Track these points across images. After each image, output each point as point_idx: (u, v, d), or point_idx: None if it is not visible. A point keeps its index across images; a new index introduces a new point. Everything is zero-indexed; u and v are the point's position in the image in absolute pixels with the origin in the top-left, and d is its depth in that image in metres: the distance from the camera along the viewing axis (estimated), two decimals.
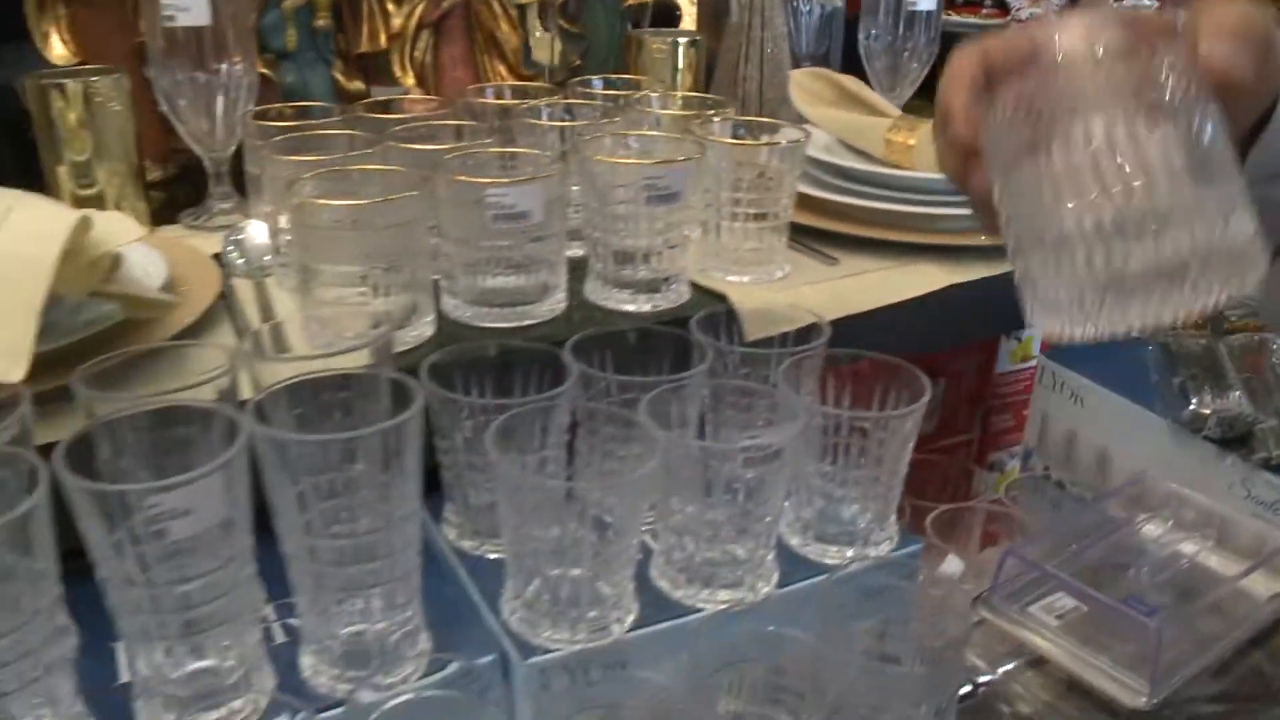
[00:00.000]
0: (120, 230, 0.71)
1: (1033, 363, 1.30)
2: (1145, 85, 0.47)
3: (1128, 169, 0.46)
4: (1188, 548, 0.91)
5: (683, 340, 0.83)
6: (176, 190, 1.17)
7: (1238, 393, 1.00)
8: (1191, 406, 1.00)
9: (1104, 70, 0.47)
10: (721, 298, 0.90)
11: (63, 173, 1.01)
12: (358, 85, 1.29)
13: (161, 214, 1.10)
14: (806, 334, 0.84)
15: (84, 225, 0.68)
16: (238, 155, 1.05)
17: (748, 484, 0.71)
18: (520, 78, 1.30)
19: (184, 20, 1.00)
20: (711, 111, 1.00)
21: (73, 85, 0.99)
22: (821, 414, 0.77)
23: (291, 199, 0.79)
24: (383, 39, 1.37)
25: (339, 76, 1.28)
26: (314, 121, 0.99)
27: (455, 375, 0.77)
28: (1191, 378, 1.03)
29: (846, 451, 0.78)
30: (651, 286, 0.89)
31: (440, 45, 1.30)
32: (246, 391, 0.67)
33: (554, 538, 0.67)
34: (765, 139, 0.95)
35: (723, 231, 0.94)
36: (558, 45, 1.34)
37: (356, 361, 0.70)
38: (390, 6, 1.36)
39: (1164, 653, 0.77)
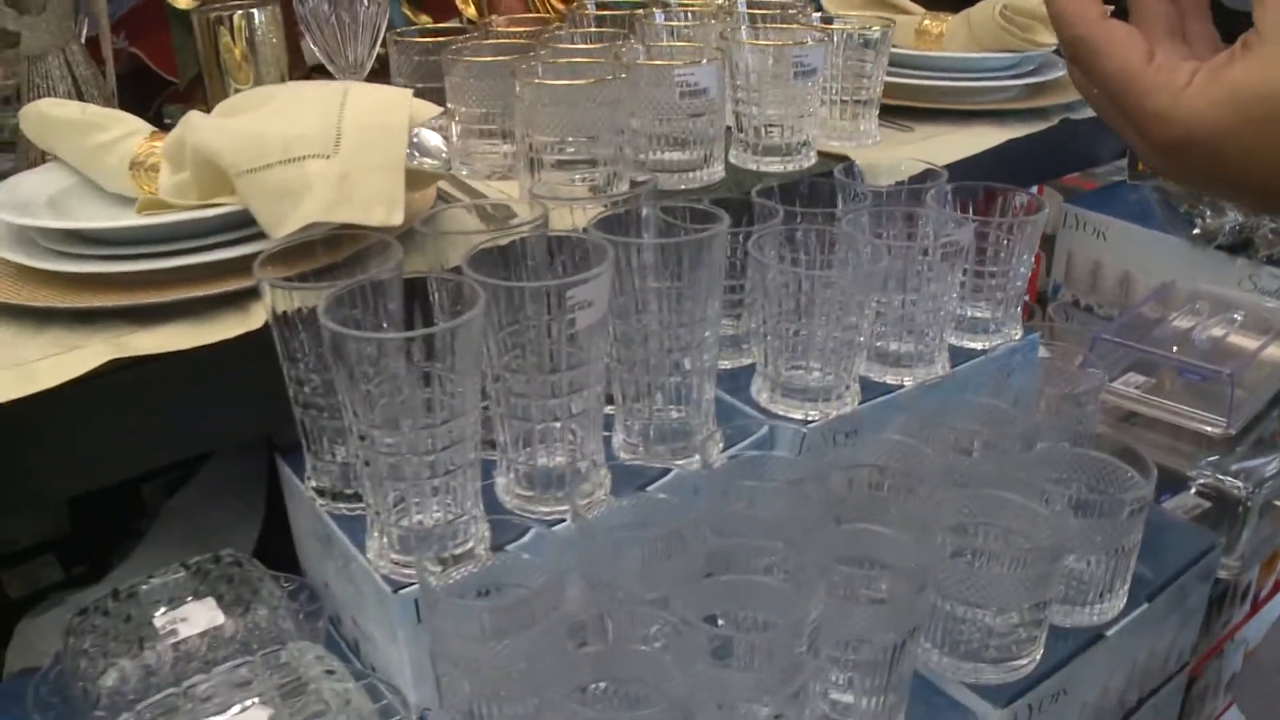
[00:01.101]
0: (422, 108, 0.85)
1: None
2: None
3: None
4: (1217, 330, 1.15)
5: (828, 187, 1.01)
6: None
7: (1231, 210, 1.24)
8: (1201, 223, 1.24)
9: None
10: (843, 158, 1.08)
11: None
12: (425, 19, 1.42)
13: None
14: (921, 178, 1.03)
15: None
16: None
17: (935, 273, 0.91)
18: (567, 3, 1.45)
19: None
20: (795, 11, 1.18)
21: (238, 18, 1.11)
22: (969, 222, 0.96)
23: (524, 80, 0.93)
24: None
25: (407, 12, 1.41)
26: (451, 38, 1.13)
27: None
28: (1191, 206, 1.26)
29: (985, 256, 0.98)
30: (790, 150, 1.07)
31: None
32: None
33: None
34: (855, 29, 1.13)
35: (833, 110, 1.12)
36: None
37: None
38: None
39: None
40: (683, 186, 1.02)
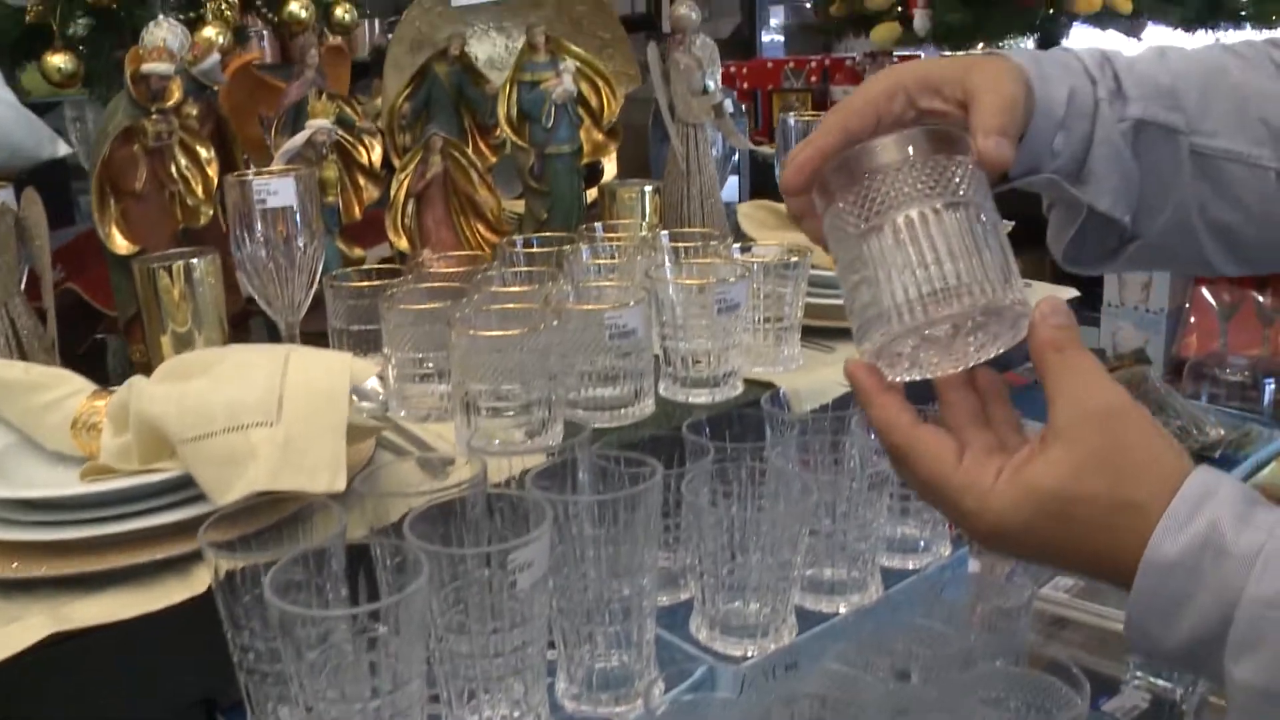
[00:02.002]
0: (361, 369, 0.88)
1: None
2: (943, 184, 0.62)
3: (935, 248, 0.60)
4: None
5: (755, 418, 1.05)
6: None
7: (1213, 428, 1.30)
8: None
9: (915, 173, 0.62)
10: (769, 385, 1.13)
11: (165, 342, 1.15)
12: (358, 252, 1.47)
13: None
14: (844, 402, 1.08)
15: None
16: None
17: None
18: (497, 234, 1.51)
19: (273, 203, 1.17)
20: (716, 243, 1.24)
21: (177, 265, 1.14)
22: None
23: (459, 330, 0.97)
24: (357, 210, 1.56)
25: (342, 246, 1.45)
26: (385, 281, 1.18)
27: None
28: None
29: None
30: (717, 381, 1.11)
31: (424, 211, 1.50)
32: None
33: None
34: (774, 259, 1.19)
35: (756, 335, 1.17)
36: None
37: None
38: (362, 180, 1.56)
39: None
40: (614, 424, 1.05)
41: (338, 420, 0.80)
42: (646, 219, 1.46)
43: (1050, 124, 0.74)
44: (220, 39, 1.51)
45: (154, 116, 1.28)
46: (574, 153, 1.53)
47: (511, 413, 0.99)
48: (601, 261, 1.20)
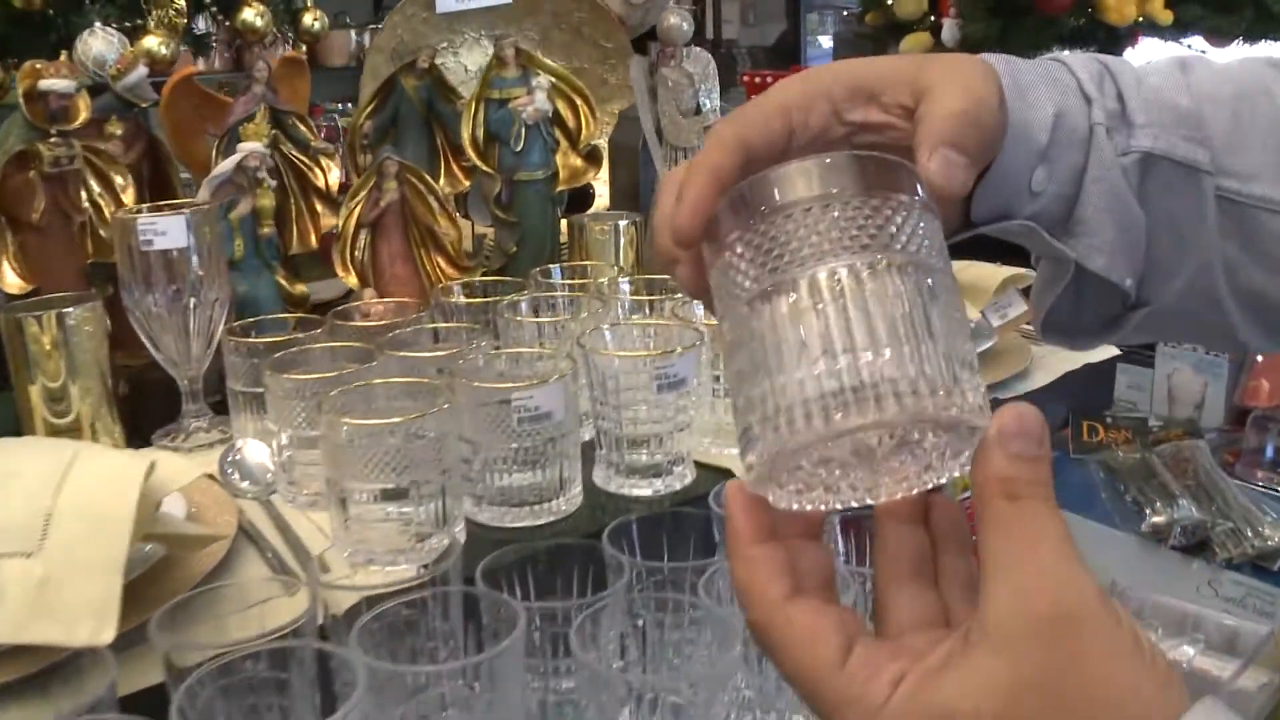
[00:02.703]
0: (176, 472, 0.71)
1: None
2: (876, 234, 0.41)
3: (854, 326, 0.40)
4: (1177, 656, 0.99)
5: (702, 519, 0.86)
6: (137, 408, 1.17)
7: (1184, 500, 1.09)
8: (1150, 518, 1.08)
9: (837, 214, 0.41)
10: (727, 473, 0.94)
11: (35, 394, 1.00)
12: (300, 289, 1.31)
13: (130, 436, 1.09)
14: None
15: (149, 473, 0.68)
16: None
17: None
18: (460, 269, 1.34)
19: (160, 244, 1.01)
20: (680, 296, 1.06)
21: (47, 315, 0.99)
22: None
23: (326, 417, 0.80)
24: (312, 239, 1.40)
25: (282, 281, 1.29)
26: (296, 335, 1.01)
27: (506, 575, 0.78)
28: (1140, 491, 1.11)
29: None
30: (661, 469, 0.93)
31: (378, 243, 1.33)
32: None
33: None
34: None
35: (716, 408, 0.99)
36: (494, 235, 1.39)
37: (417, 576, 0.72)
38: (319, 206, 1.40)
39: None
40: (526, 523, 0.88)
41: (114, 553, 0.63)
42: (621, 260, 1.27)
43: (1028, 154, 0.54)
44: (164, 49, 1.36)
45: (53, 139, 1.13)
46: (548, 179, 1.35)
47: (393, 512, 0.82)
48: (541, 319, 1.03)
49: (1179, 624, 1.00)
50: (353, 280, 1.32)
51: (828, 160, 0.43)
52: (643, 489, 0.92)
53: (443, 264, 1.35)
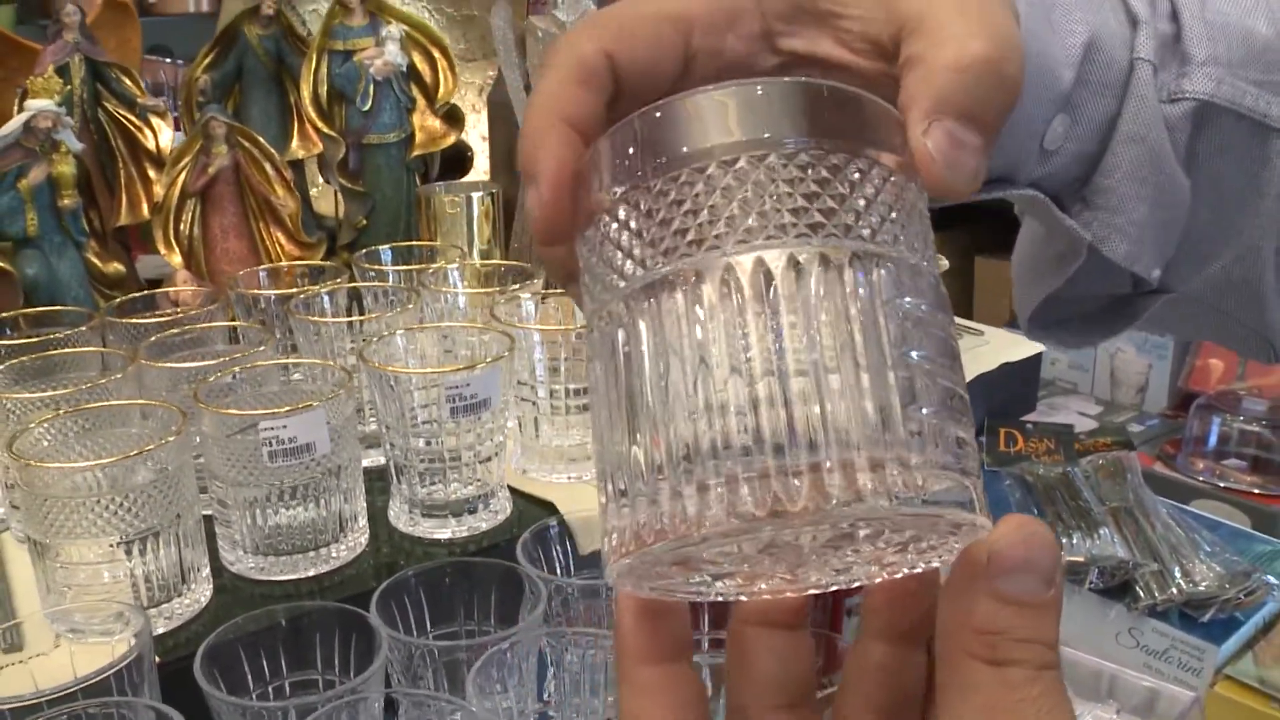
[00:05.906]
0: None
1: None
2: (825, 207, 0.26)
3: (781, 349, 0.25)
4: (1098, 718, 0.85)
5: (512, 572, 0.71)
6: None
7: (1106, 529, 0.94)
8: (1067, 543, 0.94)
9: (771, 174, 0.26)
10: (550, 507, 0.79)
11: None
12: (116, 268, 1.15)
13: None
14: None
15: None
16: None
17: None
18: (300, 245, 1.18)
19: None
20: (516, 286, 0.90)
21: None
22: None
23: (18, 456, 0.65)
24: (144, 209, 1.24)
25: (94, 259, 1.13)
26: (57, 335, 0.86)
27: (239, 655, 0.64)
28: (1058, 516, 0.97)
29: None
30: (466, 506, 0.78)
31: (209, 215, 1.17)
32: None
33: None
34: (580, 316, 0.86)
35: (541, 425, 0.84)
36: (340, 206, 1.23)
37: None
38: (151, 171, 1.24)
39: None
40: (293, 575, 0.73)
41: None
42: (477, 239, 1.11)
43: (1045, 99, 0.38)
44: None
45: None
46: (401, 142, 1.19)
47: (109, 570, 0.67)
48: (336, 320, 0.87)
49: (1093, 686, 0.86)
50: (176, 258, 1.16)
51: (760, 90, 0.27)
52: (441, 530, 0.77)
53: (282, 239, 1.19)
